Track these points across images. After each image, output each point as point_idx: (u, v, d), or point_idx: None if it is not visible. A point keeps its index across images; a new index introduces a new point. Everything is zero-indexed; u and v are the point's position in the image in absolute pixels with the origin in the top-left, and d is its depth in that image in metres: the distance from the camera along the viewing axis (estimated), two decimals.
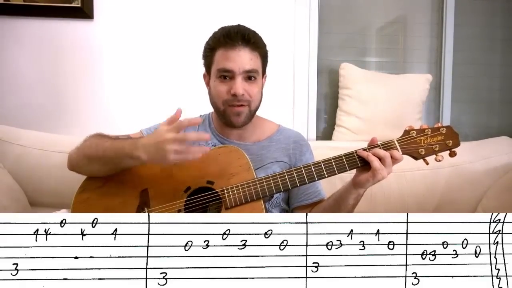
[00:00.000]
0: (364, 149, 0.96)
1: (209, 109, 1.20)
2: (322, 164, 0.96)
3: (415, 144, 0.97)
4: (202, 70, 1.14)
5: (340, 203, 1.02)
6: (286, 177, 0.97)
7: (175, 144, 0.87)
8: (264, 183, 0.96)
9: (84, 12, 1.71)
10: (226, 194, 0.96)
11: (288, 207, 1.17)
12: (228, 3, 1.79)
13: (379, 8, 2.05)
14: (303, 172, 0.96)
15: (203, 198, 0.97)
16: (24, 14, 1.71)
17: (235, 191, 0.96)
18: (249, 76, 1.05)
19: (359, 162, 0.96)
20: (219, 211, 0.97)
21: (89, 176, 1.03)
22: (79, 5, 1.70)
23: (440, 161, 0.97)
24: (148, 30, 1.77)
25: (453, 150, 0.97)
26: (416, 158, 0.98)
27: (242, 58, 1.02)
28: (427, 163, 0.98)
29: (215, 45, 1.05)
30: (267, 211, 1.04)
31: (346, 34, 2.05)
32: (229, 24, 1.09)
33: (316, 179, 0.97)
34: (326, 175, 0.96)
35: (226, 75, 1.04)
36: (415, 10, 2.07)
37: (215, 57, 1.05)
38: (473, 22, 2.08)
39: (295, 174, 0.96)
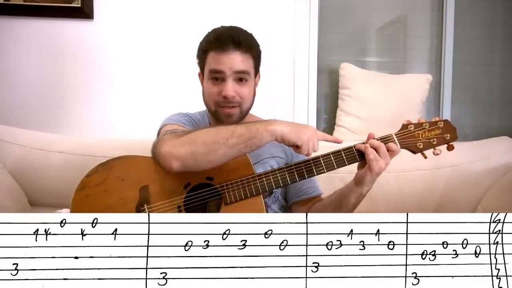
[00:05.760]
0: (362, 143, 0.97)
1: None
2: (321, 159, 0.97)
3: (413, 138, 0.97)
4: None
5: (341, 201, 1.03)
6: (286, 172, 0.97)
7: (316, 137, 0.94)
8: (264, 179, 0.96)
9: (84, 12, 1.71)
10: (225, 190, 0.96)
11: (286, 203, 1.18)
12: (228, 3, 1.79)
13: (379, 8, 2.05)
14: (302, 167, 0.97)
15: (202, 194, 0.97)
16: (24, 14, 1.71)
17: (235, 187, 0.96)
18: (240, 78, 1.06)
19: (357, 156, 0.96)
20: (218, 207, 0.97)
21: (170, 169, 0.94)
22: (79, 5, 1.70)
23: (438, 154, 0.97)
24: (148, 30, 1.78)
25: (450, 143, 0.97)
26: (414, 152, 0.98)
27: (233, 61, 1.04)
28: (425, 157, 0.98)
29: (207, 48, 1.07)
30: (266, 206, 1.04)
31: (346, 34, 2.05)
32: (227, 25, 1.10)
33: (316, 174, 0.97)
34: (325, 170, 0.96)
35: (217, 77, 1.05)
36: (415, 10, 2.07)
37: (207, 59, 1.07)
38: (473, 22, 2.08)
39: (294, 170, 0.97)
